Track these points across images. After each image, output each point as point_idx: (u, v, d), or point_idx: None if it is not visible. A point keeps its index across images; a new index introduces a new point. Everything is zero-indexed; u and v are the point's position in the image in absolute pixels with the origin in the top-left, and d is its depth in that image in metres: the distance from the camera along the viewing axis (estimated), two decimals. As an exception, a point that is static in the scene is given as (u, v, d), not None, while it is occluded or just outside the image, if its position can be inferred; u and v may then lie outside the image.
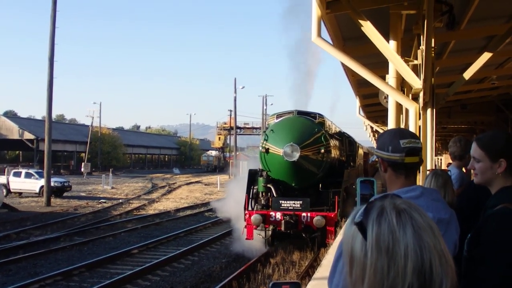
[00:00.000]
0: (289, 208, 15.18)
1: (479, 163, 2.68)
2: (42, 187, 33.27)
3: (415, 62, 9.02)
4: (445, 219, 2.44)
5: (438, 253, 1.16)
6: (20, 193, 36.14)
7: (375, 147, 2.61)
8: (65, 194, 36.65)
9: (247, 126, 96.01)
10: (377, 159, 2.63)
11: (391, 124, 9.60)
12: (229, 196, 21.97)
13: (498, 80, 16.80)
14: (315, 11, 7.98)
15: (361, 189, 3.02)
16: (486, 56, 9.57)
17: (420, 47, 8.30)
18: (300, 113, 16.81)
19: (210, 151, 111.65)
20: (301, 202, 15.21)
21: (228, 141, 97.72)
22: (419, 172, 6.16)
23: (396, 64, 8.17)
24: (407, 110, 9.11)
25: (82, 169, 64.90)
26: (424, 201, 2.36)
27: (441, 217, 2.41)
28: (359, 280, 1.20)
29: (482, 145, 2.67)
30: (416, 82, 7.88)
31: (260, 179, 15.89)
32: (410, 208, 1.22)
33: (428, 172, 4.43)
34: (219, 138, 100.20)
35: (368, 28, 7.90)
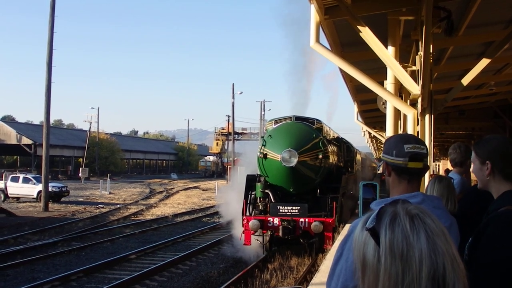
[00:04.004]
0: (287, 213, 15.16)
1: (472, 165, 2.72)
2: (40, 192, 33.16)
3: (413, 68, 9.05)
4: (445, 227, 2.43)
5: (451, 258, 1.18)
6: (17, 198, 36.05)
7: (382, 152, 2.61)
8: (62, 199, 36.55)
9: (245, 131, 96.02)
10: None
11: (389, 130, 9.62)
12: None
13: (496, 86, 16.85)
14: (314, 16, 8.01)
15: (364, 193, 3.01)
16: (484, 62, 9.59)
17: (419, 53, 8.32)
18: (298, 118, 16.79)
19: (208, 156, 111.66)
20: (299, 207, 15.20)
21: (226, 147, 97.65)
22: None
23: (395, 70, 8.19)
24: (405, 116, 9.14)
25: (80, 174, 64.77)
26: (425, 208, 2.35)
27: None
28: (373, 286, 1.21)
29: (475, 147, 2.71)
30: (414, 88, 7.90)
31: (258, 184, 15.87)
32: (422, 214, 1.24)
33: (429, 178, 4.43)
34: (217, 143, 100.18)
35: (367, 34, 7.92)
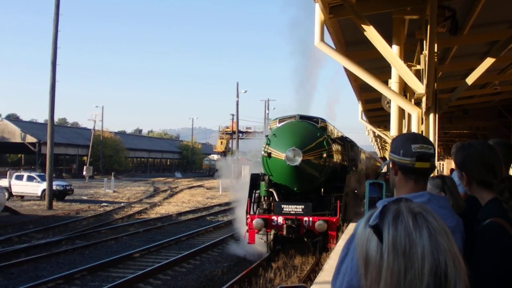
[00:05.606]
0: (291, 212, 15.16)
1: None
2: (44, 190, 33.24)
3: (418, 67, 9.03)
4: (451, 226, 2.42)
5: (452, 255, 1.20)
6: (22, 197, 36.18)
7: (389, 151, 2.61)
8: (67, 197, 36.65)
9: (249, 130, 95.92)
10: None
11: (393, 129, 9.60)
12: None
13: (500, 86, 16.80)
14: (318, 15, 8.00)
15: (370, 192, 3.01)
16: (488, 61, 9.55)
17: (423, 52, 8.30)
18: (303, 117, 16.77)
19: (212, 155, 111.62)
20: (303, 206, 15.20)
21: (230, 145, 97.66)
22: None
23: (399, 69, 8.18)
24: (409, 115, 9.11)
25: (84, 173, 64.85)
26: (431, 207, 2.35)
27: (447, 224, 2.40)
28: (375, 283, 1.22)
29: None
30: (419, 87, 7.88)
31: (262, 183, 15.88)
32: (425, 212, 1.26)
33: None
34: (221, 142, 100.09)
35: (371, 33, 7.91)
